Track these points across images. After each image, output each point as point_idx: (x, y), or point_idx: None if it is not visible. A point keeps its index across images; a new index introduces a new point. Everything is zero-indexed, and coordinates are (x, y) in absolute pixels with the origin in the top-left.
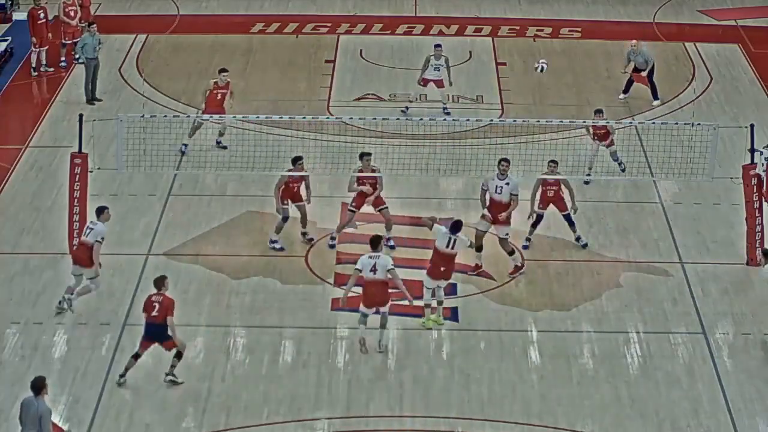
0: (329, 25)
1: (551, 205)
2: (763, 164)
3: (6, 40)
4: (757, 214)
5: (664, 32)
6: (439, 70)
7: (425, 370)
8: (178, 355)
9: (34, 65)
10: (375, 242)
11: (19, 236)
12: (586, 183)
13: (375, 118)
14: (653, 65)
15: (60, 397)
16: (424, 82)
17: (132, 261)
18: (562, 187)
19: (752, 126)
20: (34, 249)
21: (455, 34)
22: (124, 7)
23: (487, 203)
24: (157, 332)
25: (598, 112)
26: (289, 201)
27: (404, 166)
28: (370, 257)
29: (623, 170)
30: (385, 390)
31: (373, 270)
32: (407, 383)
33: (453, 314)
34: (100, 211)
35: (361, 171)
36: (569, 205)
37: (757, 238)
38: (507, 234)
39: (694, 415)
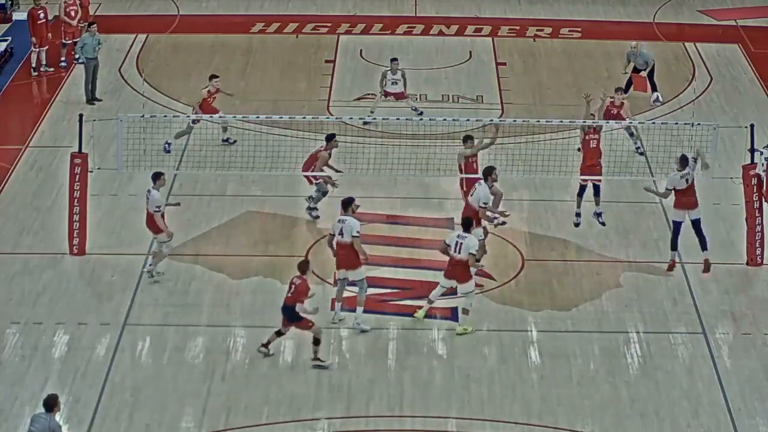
0: (329, 25)
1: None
2: (763, 164)
3: (6, 40)
4: (757, 214)
5: (664, 32)
6: (397, 84)
7: (425, 370)
8: (316, 341)
9: (34, 65)
10: (345, 204)
11: (19, 236)
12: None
13: (375, 118)
14: (653, 65)
15: (60, 397)
16: (386, 95)
17: (132, 261)
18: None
19: (752, 126)
20: (34, 249)
21: (455, 34)
22: (124, 7)
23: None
24: (288, 313)
25: (618, 90)
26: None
27: (404, 166)
28: (339, 220)
29: (642, 153)
30: (385, 390)
31: (341, 233)
32: (407, 383)
33: (453, 314)
34: (156, 176)
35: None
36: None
37: (757, 237)
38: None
39: (694, 415)
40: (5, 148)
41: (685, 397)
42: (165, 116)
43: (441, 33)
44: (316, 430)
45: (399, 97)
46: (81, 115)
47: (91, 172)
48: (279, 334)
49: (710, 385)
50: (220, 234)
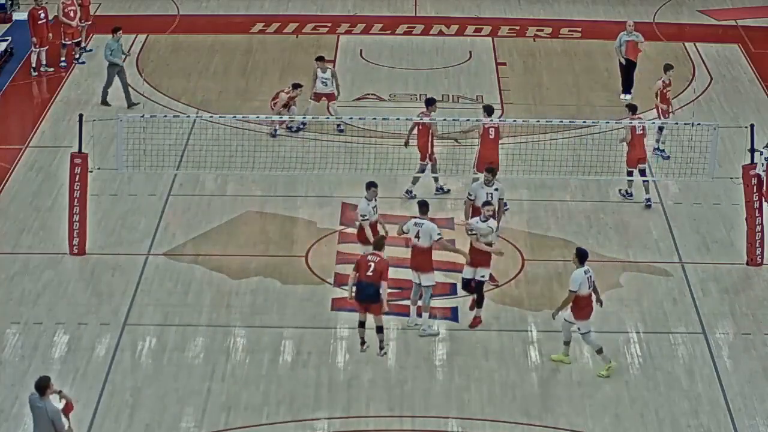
0: (329, 25)
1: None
2: (763, 164)
3: (6, 40)
4: (757, 214)
5: (664, 32)
6: (326, 84)
7: (425, 370)
8: (379, 329)
9: (34, 65)
10: (423, 207)
11: (19, 236)
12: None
13: (375, 118)
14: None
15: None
16: (317, 98)
17: (132, 261)
18: None
19: (752, 126)
20: (34, 249)
21: (455, 34)
22: (124, 7)
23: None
24: (368, 294)
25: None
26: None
27: (404, 166)
28: (415, 223)
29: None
30: (385, 390)
31: (417, 236)
32: (407, 383)
33: (453, 314)
34: (369, 186)
35: None
36: None
37: (757, 237)
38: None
39: (694, 415)
40: (5, 148)
41: (685, 397)
42: (165, 116)
43: (441, 33)
44: (316, 430)
45: (330, 98)
46: (81, 115)
47: (91, 172)
48: (362, 324)
49: (710, 385)
50: (220, 234)
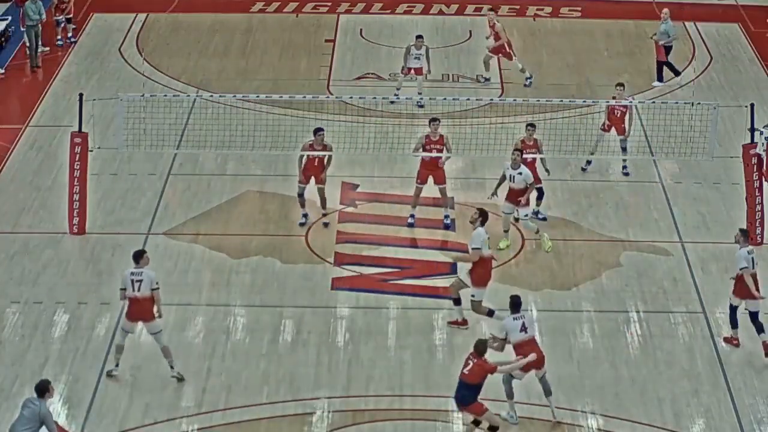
0: (329, 4)
1: None
2: (763, 144)
3: (6, 20)
4: (757, 194)
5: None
6: (419, 59)
7: (425, 350)
8: (492, 429)
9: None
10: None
11: (19, 215)
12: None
13: (375, 98)
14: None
15: (60, 376)
16: (407, 71)
17: (132, 240)
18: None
19: (752, 105)
20: (34, 228)
21: (455, 13)
22: None
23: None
24: (460, 395)
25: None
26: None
27: (404, 146)
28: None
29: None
30: (385, 370)
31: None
32: (407, 363)
33: None
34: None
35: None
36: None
37: (757, 217)
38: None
39: (694, 394)
40: (5, 128)
41: (685, 376)
42: (165, 95)
43: (441, 12)
44: (316, 410)
45: (418, 72)
46: (81, 95)
47: (91, 151)
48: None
49: (710, 365)
50: (220, 213)
